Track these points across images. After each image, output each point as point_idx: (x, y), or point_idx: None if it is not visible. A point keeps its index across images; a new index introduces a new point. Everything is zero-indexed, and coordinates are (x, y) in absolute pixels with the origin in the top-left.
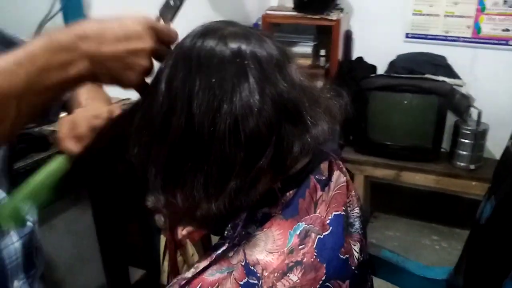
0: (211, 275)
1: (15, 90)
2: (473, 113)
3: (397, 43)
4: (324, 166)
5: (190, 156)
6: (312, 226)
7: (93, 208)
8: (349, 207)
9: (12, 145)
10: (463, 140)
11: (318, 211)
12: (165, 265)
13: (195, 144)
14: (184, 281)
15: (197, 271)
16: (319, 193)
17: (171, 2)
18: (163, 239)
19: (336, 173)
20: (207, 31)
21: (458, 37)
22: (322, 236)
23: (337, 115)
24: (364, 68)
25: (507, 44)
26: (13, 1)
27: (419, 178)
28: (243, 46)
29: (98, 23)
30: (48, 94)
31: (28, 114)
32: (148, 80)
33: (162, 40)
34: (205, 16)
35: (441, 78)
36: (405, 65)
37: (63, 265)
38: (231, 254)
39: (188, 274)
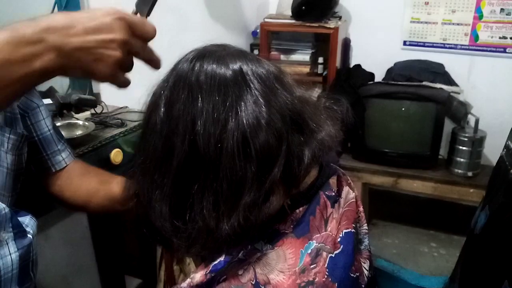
0: None
1: None
2: (471, 120)
3: (395, 50)
4: (333, 181)
5: (197, 177)
6: (324, 244)
7: (88, 217)
8: (358, 223)
9: (20, 161)
10: (460, 147)
11: (329, 229)
12: (162, 274)
13: (201, 164)
14: None
15: (193, 281)
16: (329, 210)
17: None
18: (159, 248)
19: (345, 189)
20: (203, 54)
21: (455, 44)
22: (333, 255)
23: (339, 120)
24: (362, 75)
25: (504, 52)
26: (13, 1)
27: (417, 185)
28: (243, 66)
29: (66, 15)
30: (12, 88)
31: None
32: (124, 74)
33: (136, 33)
34: (203, 25)
35: (438, 85)
36: (402, 72)
37: (59, 274)
38: (241, 272)
39: (184, 284)
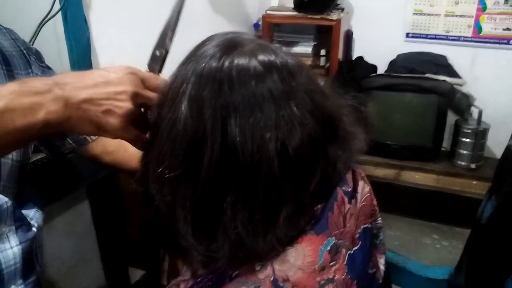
0: None
1: None
2: (474, 112)
3: (398, 42)
4: (349, 176)
5: (229, 188)
6: (342, 241)
7: (91, 209)
8: (373, 217)
9: (27, 152)
10: (463, 139)
11: (348, 225)
12: (165, 266)
13: (235, 174)
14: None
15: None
16: (347, 206)
17: (157, 53)
18: None
19: (361, 184)
20: (230, 48)
21: (458, 36)
22: (352, 252)
23: (366, 124)
24: (364, 67)
25: (508, 43)
26: (13, 1)
27: (419, 177)
28: (273, 58)
29: (78, 72)
30: (12, 138)
31: None
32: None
33: (149, 87)
34: (206, 17)
35: (441, 77)
36: (405, 64)
37: (63, 266)
38: (258, 267)
39: (187, 276)
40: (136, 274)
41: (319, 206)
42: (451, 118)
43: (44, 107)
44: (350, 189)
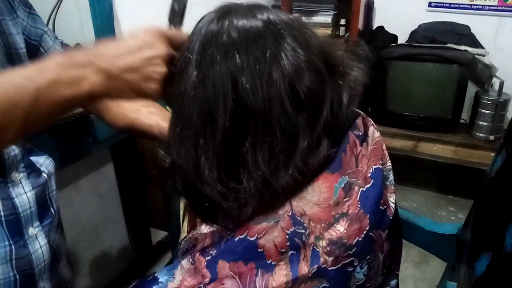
0: (257, 224)
1: (22, 102)
2: (495, 83)
3: (420, 12)
4: (359, 122)
5: (246, 133)
6: (355, 179)
7: (116, 170)
8: (383, 160)
9: None
10: (483, 110)
11: (360, 165)
12: (185, 226)
13: (251, 119)
14: (227, 228)
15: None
16: (359, 148)
17: (176, 7)
18: (182, 201)
19: (371, 129)
20: (226, 12)
21: (483, 5)
22: (364, 189)
23: (362, 60)
24: (384, 37)
25: None
26: None
27: (437, 149)
28: (270, 15)
29: (114, 42)
30: (58, 108)
31: (35, 124)
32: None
33: (175, 46)
34: None
35: (463, 47)
36: (426, 34)
37: (89, 225)
38: (277, 205)
39: (204, 230)
40: (158, 235)
41: (332, 150)
42: (471, 89)
43: (87, 79)
44: (361, 133)
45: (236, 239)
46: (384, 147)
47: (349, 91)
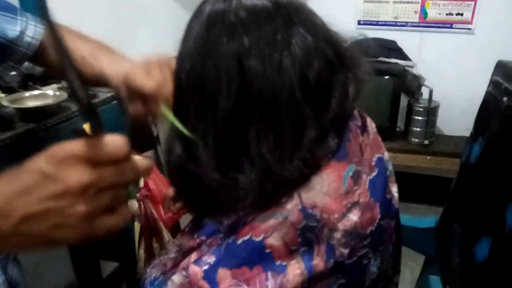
0: (264, 222)
1: None
2: (424, 92)
3: (350, 30)
4: (356, 113)
5: (251, 119)
6: (362, 168)
7: None
8: (382, 150)
9: None
10: (416, 117)
11: (365, 153)
12: (141, 253)
13: (256, 105)
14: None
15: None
16: (361, 137)
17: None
18: (137, 226)
19: (368, 119)
20: None
21: (406, 22)
22: (371, 177)
23: (365, 54)
24: None
25: (451, 27)
26: None
27: None
28: None
29: (3, 177)
30: None
31: None
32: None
33: (101, 161)
34: None
35: (393, 60)
36: (358, 49)
37: (29, 262)
38: (284, 199)
39: (172, 254)
40: (108, 267)
41: (336, 140)
42: (403, 100)
43: None
44: (360, 124)
45: (239, 242)
46: (379, 139)
47: (355, 85)
